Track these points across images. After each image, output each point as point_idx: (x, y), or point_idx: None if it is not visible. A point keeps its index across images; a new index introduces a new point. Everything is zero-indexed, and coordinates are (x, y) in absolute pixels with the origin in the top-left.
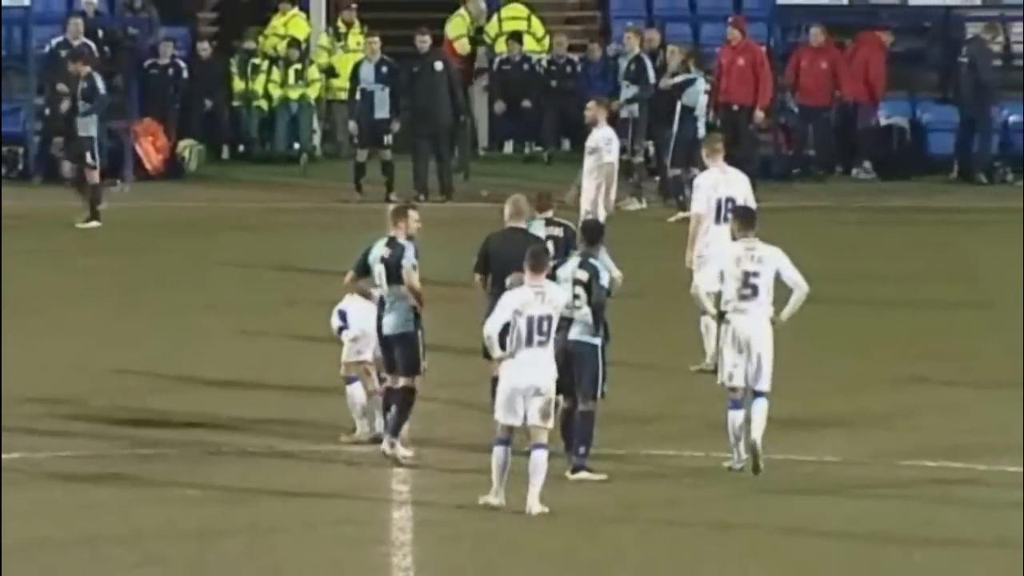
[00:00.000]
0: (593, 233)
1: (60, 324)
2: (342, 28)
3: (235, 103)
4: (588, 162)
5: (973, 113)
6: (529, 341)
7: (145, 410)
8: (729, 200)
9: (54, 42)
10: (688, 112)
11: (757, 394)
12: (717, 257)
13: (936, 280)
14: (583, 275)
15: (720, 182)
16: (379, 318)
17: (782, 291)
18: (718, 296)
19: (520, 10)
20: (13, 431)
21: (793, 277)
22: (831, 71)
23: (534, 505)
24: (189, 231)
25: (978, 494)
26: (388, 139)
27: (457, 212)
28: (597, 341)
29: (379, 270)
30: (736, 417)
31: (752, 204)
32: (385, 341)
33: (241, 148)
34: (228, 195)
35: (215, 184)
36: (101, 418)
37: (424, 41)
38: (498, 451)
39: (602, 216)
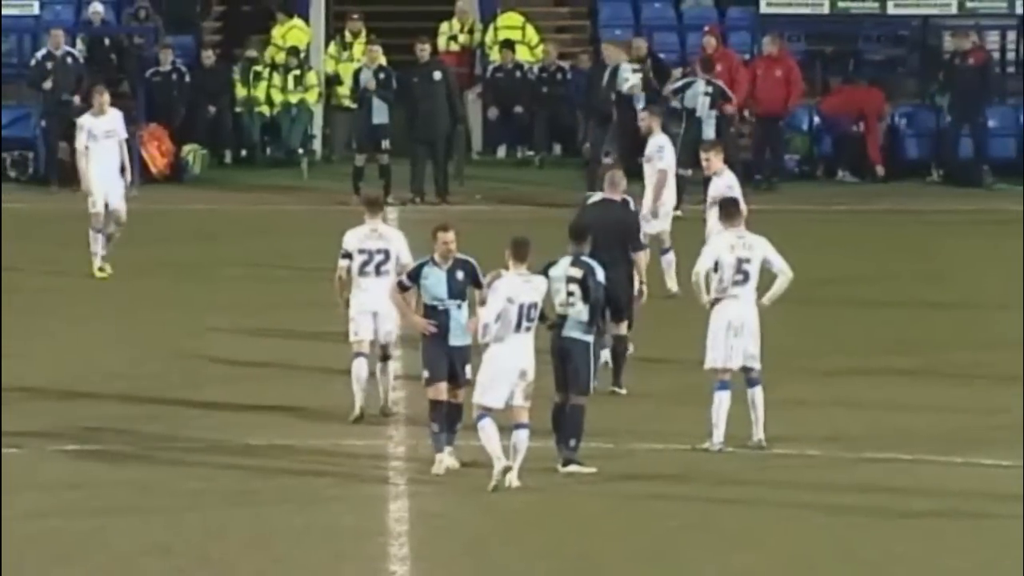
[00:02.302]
0: (573, 233)
1: (74, 322)
2: (349, 38)
3: (238, 109)
4: (646, 170)
5: (965, 118)
6: (518, 327)
7: (151, 405)
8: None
9: (39, 54)
10: (691, 114)
11: (752, 381)
12: (710, 246)
13: (914, 279)
14: (577, 272)
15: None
16: None
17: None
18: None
19: (515, 19)
20: (25, 425)
21: (779, 264)
22: (784, 81)
23: (514, 479)
24: (193, 233)
25: (954, 486)
26: (386, 143)
27: (452, 214)
28: (589, 339)
29: None
30: (723, 398)
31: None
32: None
33: (243, 152)
34: (231, 198)
35: (218, 187)
36: (109, 414)
37: (424, 50)
38: (485, 424)
39: (657, 223)
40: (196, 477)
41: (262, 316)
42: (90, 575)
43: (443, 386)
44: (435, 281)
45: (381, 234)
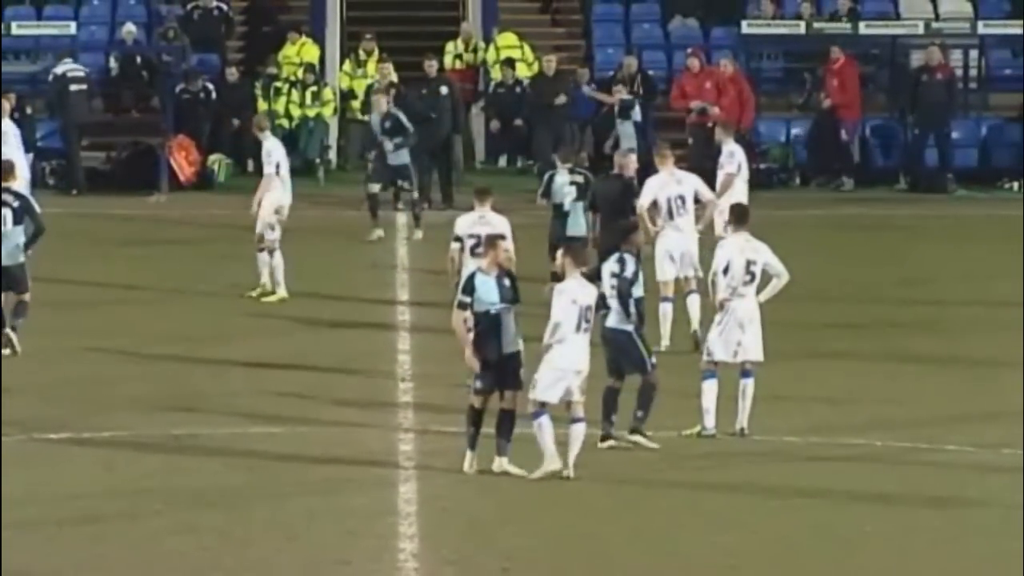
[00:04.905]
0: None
1: (104, 317)
2: (362, 56)
3: None
4: (719, 176)
5: (931, 130)
6: (578, 328)
7: (177, 396)
8: (679, 198)
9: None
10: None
11: (747, 373)
12: (722, 249)
13: (883, 280)
14: (616, 268)
15: (668, 183)
16: None
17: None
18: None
19: (512, 39)
20: (57, 415)
21: (778, 267)
22: (738, 97)
23: (571, 470)
24: (218, 235)
25: (921, 469)
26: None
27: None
28: (630, 327)
29: None
30: (712, 386)
31: (709, 197)
32: None
33: None
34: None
35: (241, 194)
36: (138, 404)
37: (431, 66)
38: (544, 421)
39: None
40: (219, 462)
41: (282, 310)
42: (122, 551)
43: (485, 399)
44: (487, 288)
45: (488, 220)
